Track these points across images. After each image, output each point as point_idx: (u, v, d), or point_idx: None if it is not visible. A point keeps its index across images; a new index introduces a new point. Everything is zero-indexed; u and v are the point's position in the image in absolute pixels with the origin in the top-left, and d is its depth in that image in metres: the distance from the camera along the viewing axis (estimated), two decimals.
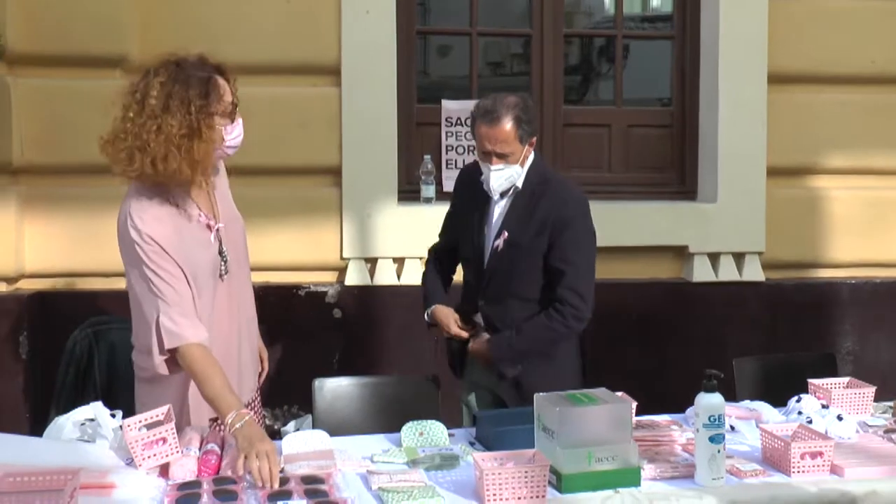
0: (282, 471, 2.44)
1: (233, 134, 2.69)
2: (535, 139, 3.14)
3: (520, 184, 3.13)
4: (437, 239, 3.47)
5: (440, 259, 3.44)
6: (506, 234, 3.13)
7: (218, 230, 2.75)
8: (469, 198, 3.25)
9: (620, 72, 5.09)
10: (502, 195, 3.16)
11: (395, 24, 4.50)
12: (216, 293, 2.74)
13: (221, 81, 2.66)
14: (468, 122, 4.67)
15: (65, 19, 4.09)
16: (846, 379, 3.11)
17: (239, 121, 2.71)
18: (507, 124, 3.02)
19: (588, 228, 3.15)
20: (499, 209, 3.19)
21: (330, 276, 4.50)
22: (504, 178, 3.09)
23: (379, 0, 4.45)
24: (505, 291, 3.16)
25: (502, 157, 3.05)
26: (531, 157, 3.16)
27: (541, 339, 3.12)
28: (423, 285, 3.41)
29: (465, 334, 3.22)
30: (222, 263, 2.75)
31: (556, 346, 3.13)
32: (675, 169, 5.00)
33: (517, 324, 3.11)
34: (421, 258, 4.49)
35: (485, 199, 3.20)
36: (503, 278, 3.15)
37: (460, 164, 4.71)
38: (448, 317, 3.25)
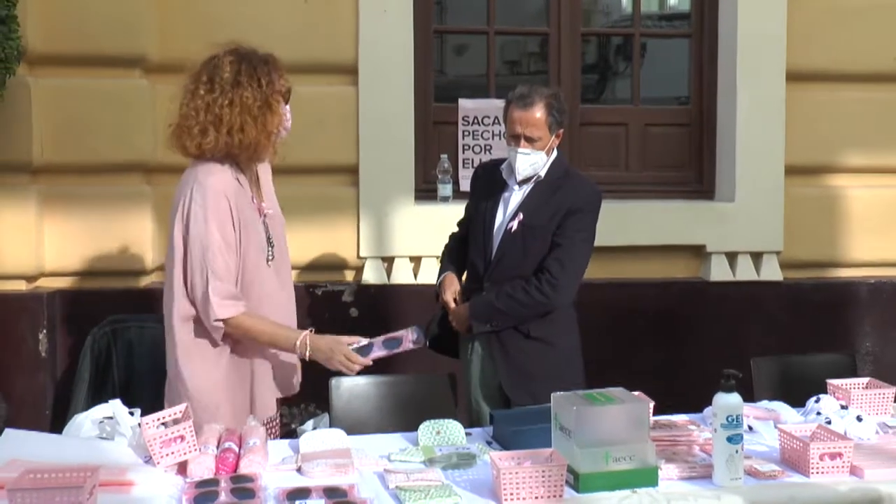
0: (299, 469, 2.46)
1: (287, 115, 2.87)
2: (562, 132, 3.26)
3: (543, 173, 3.26)
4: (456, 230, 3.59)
5: (457, 245, 3.53)
6: (521, 215, 3.24)
7: (266, 216, 2.91)
8: (485, 190, 3.37)
9: (638, 70, 5.08)
10: (521, 183, 3.27)
11: (413, 23, 4.50)
12: (264, 278, 2.87)
13: (280, 63, 2.86)
14: (485, 120, 4.73)
15: (84, 20, 4.11)
16: (865, 379, 3.10)
17: (287, 107, 2.88)
18: (539, 110, 3.18)
19: (593, 222, 3.29)
20: (517, 196, 3.29)
21: (347, 275, 4.51)
22: (529, 163, 3.21)
23: None
24: (512, 273, 3.24)
25: (530, 140, 3.19)
26: (555, 151, 3.28)
27: (515, 301, 3.20)
28: (440, 262, 3.57)
29: (452, 303, 3.29)
30: (269, 248, 2.89)
31: (528, 313, 3.21)
32: (693, 168, 4.98)
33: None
34: (437, 257, 4.49)
35: (501, 190, 3.31)
36: (513, 259, 3.25)
37: (477, 163, 4.70)
38: (450, 286, 3.34)
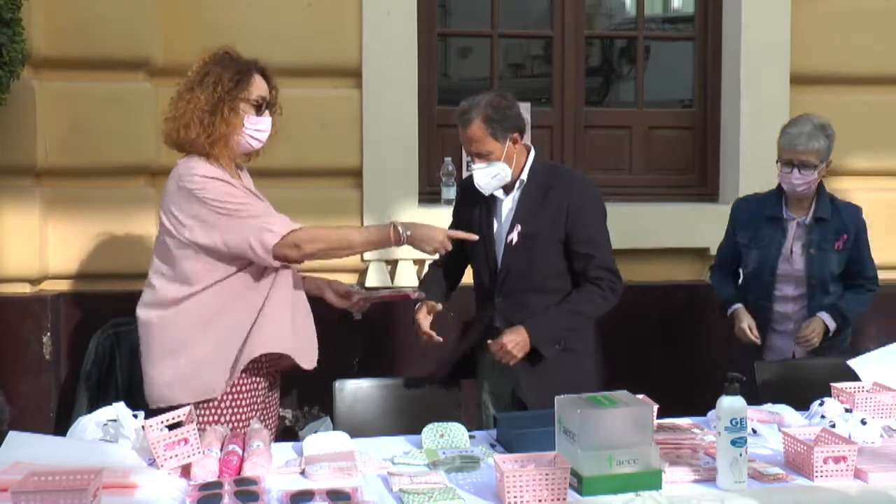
0: (303, 472, 2.46)
1: (258, 125, 2.91)
2: (517, 134, 3.18)
3: (525, 176, 3.21)
4: None
5: (444, 266, 3.45)
6: (519, 226, 3.19)
7: None
8: (471, 203, 3.32)
9: (642, 73, 5.08)
10: (506, 191, 3.23)
11: (416, 26, 4.50)
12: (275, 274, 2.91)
13: (258, 77, 2.94)
14: None
15: (88, 23, 4.12)
16: (870, 383, 3.09)
17: (267, 118, 2.96)
18: (477, 125, 3.12)
19: (603, 209, 3.28)
20: (507, 205, 3.25)
21: (350, 278, 4.51)
22: (489, 175, 3.16)
23: (400, 2, 4.45)
24: (522, 285, 3.20)
25: (481, 156, 3.14)
26: (531, 152, 3.25)
27: (586, 316, 3.21)
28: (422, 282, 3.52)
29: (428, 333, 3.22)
30: None
31: (592, 320, 3.25)
32: (697, 171, 4.98)
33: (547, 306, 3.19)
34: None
35: (488, 200, 3.26)
36: (520, 272, 3.20)
37: None
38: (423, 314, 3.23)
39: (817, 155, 3.56)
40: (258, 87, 2.94)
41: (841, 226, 3.69)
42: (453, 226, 3.38)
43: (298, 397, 4.24)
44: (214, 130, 2.85)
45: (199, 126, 2.84)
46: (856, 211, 3.78)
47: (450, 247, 2.95)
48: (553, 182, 3.21)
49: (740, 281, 3.88)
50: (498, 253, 3.24)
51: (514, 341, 3.10)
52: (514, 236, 3.20)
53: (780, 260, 3.69)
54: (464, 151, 3.27)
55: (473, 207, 3.31)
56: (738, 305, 3.77)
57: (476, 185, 3.18)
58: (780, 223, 3.71)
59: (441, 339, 3.20)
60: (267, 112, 2.98)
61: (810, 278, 3.67)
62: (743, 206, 3.87)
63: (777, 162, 3.64)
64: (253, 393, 2.94)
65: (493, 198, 3.25)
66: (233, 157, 2.96)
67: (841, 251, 3.69)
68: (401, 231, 2.88)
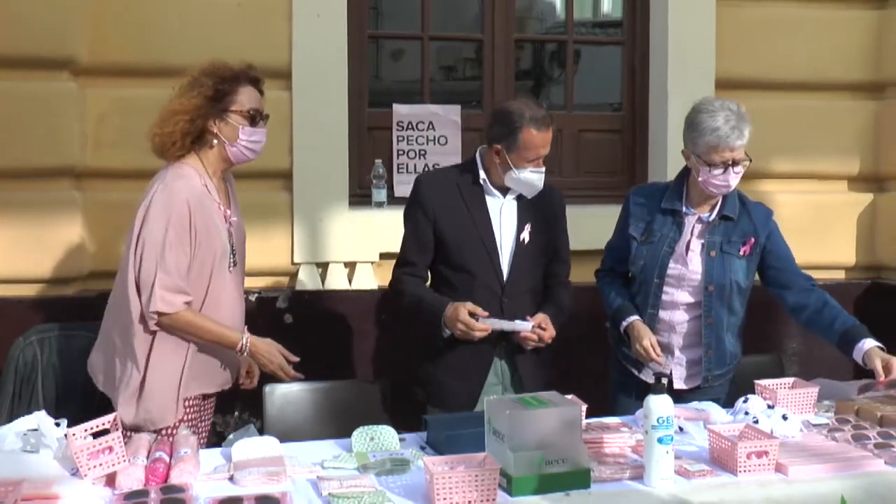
0: (231, 478, 2.43)
1: (252, 137, 3.00)
2: None
3: None
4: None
5: (416, 278, 3.30)
6: (529, 225, 3.26)
7: (231, 223, 3.03)
8: (450, 206, 3.24)
9: (572, 77, 5.13)
10: (493, 195, 3.27)
11: (347, 28, 4.48)
12: (226, 282, 2.99)
13: (248, 87, 3.00)
14: (420, 126, 4.73)
15: (12, 21, 4.00)
16: (791, 379, 3.17)
17: (262, 129, 3.04)
18: (551, 129, 3.20)
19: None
20: (508, 206, 3.28)
21: (281, 281, 4.47)
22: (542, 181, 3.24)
23: (330, 4, 4.43)
24: (525, 286, 3.28)
25: (542, 160, 3.20)
26: None
27: (566, 311, 3.40)
28: (418, 302, 3.23)
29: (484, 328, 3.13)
30: (231, 255, 3.00)
31: None
32: (626, 173, 5.05)
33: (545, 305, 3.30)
34: (372, 262, 4.49)
35: (477, 202, 3.26)
36: (524, 273, 3.27)
37: (412, 169, 4.70)
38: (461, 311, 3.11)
39: (744, 146, 3.17)
40: (250, 98, 2.99)
41: (748, 228, 3.27)
42: (417, 231, 3.25)
43: (230, 402, 4.19)
44: (183, 135, 2.89)
45: (181, 137, 2.90)
46: (767, 213, 3.36)
47: (292, 374, 3.04)
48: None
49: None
50: (504, 256, 3.25)
51: (552, 334, 3.23)
52: (526, 235, 3.26)
53: (672, 259, 3.26)
54: (519, 153, 3.17)
55: (453, 213, 3.23)
56: (635, 318, 3.28)
57: (529, 190, 3.22)
58: (677, 217, 3.27)
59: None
60: (262, 123, 3.03)
61: (707, 284, 3.22)
62: (638, 195, 3.42)
63: (697, 161, 3.16)
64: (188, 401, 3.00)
65: (479, 203, 3.24)
66: (221, 167, 3.03)
67: (748, 257, 3.26)
68: (244, 342, 2.97)
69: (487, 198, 3.26)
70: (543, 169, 3.21)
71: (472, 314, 3.10)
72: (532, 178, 3.19)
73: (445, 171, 3.48)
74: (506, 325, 3.15)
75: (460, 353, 3.19)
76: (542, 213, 3.32)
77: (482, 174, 3.26)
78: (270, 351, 3.02)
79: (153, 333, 2.89)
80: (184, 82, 2.96)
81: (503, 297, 3.24)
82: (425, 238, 3.26)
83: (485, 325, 3.10)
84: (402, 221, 3.35)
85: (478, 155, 3.32)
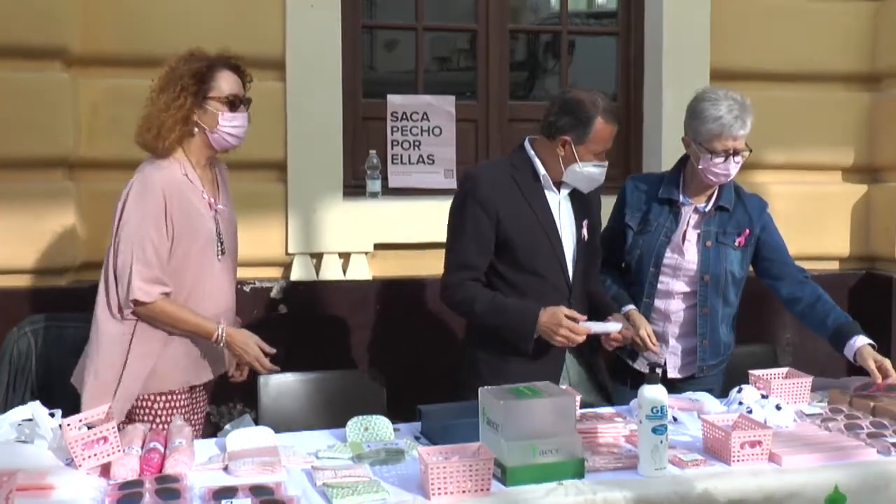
0: (226, 468, 2.43)
1: (233, 122, 2.95)
2: None
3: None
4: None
5: (480, 283, 3.08)
6: (587, 221, 3.18)
7: (217, 211, 3.00)
8: (513, 203, 3.06)
9: (566, 67, 5.12)
10: (549, 189, 3.14)
11: (341, 18, 4.47)
12: (214, 271, 2.97)
13: (226, 72, 2.95)
14: (414, 116, 4.73)
15: (3, 10, 3.98)
16: (785, 370, 3.18)
17: (243, 113, 2.99)
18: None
19: None
20: (563, 201, 3.15)
21: (275, 272, 4.47)
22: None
23: None
24: (585, 284, 3.19)
25: (604, 154, 3.10)
26: None
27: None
28: (499, 310, 3.02)
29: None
30: (219, 244, 2.98)
31: None
32: (620, 164, 5.03)
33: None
34: (367, 253, 4.48)
35: (538, 199, 3.10)
36: (584, 270, 3.17)
37: (406, 160, 4.70)
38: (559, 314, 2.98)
39: (746, 136, 3.19)
40: (229, 82, 2.96)
41: (744, 219, 3.30)
42: (480, 230, 3.04)
43: (225, 393, 4.19)
44: (170, 131, 2.87)
45: (162, 128, 2.87)
46: (762, 204, 3.38)
47: (268, 366, 3.01)
48: None
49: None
50: (568, 253, 3.12)
51: (633, 333, 3.18)
52: (585, 232, 3.17)
53: (669, 248, 3.28)
54: (588, 146, 3.04)
55: (518, 210, 3.05)
56: (630, 307, 3.27)
57: (592, 182, 3.09)
58: (674, 207, 3.29)
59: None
60: (243, 107, 2.99)
61: (703, 274, 3.24)
62: (635, 184, 3.43)
63: (698, 149, 3.19)
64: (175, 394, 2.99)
65: (540, 199, 3.08)
66: (205, 155, 3.00)
67: (743, 248, 3.29)
68: (219, 333, 2.93)
69: (546, 193, 3.11)
70: (606, 163, 3.08)
71: (569, 318, 2.95)
72: (594, 172, 3.06)
73: (495, 165, 3.28)
74: (601, 326, 3.03)
75: (537, 359, 3.04)
76: (591, 208, 3.22)
77: (541, 169, 3.09)
78: (246, 342, 2.97)
79: (120, 327, 2.88)
80: (162, 73, 2.93)
81: (570, 298, 3.09)
82: (487, 239, 3.04)
83: (587, 328, 2.97)
84: (450, 220, 3.12)
85: (529, 147, 3.14)
